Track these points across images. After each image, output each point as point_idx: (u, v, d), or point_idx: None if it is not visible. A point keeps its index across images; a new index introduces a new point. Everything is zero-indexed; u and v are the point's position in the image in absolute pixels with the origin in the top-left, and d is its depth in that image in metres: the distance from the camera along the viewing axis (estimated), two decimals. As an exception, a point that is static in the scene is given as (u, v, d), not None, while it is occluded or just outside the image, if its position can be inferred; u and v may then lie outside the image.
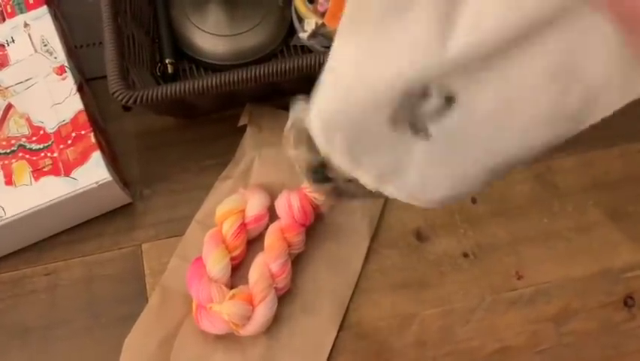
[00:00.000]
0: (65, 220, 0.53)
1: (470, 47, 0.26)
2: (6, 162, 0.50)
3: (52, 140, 0.51)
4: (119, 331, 0.49)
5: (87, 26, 0.61)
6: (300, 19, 0.59)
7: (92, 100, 0.56)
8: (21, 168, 0.50)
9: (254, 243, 0.52)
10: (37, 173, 0.50)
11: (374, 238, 0.54)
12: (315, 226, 0.53)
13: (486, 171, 0.30)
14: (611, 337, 0.52)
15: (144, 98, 0.46)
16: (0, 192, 0.49)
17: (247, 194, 0.52)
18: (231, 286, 0.49)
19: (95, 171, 0.49)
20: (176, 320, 0.49)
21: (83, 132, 0.51)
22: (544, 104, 0.27)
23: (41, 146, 0.51)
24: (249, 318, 0.47)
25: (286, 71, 0.47)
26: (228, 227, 0.50)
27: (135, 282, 0.52)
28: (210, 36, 0.58)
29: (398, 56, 0.27)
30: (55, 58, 0.54)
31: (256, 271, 0.49)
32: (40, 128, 0.51)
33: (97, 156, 0.50)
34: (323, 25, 0.57)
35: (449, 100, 0.27)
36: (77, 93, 0.52)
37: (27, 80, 0.53)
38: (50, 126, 0.51)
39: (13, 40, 0.55)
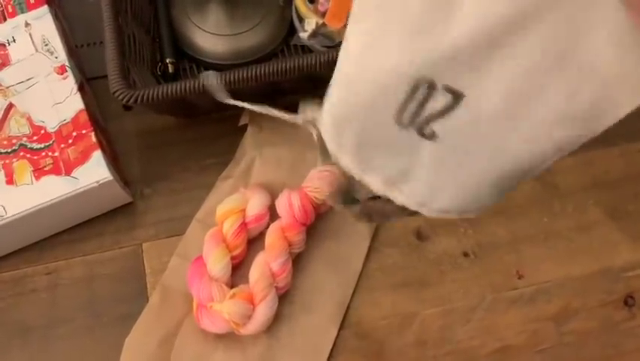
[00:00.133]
0: (66, 219, 0.53)
1: (474, 33, 0.25)
2: (7, 161, 0.50)
3: (53, 139, 0.51)
4: (119, 330, 0.49)
5: (88, 26, 0.61)
6: (301, 19, 0.59)
7: (92, 99, 0.56)
8: (22, 168, 0.50)
9: (254, 242, 0.52)
10: (38, 172, 0.50)
11: (375, 236, 0.54)
12: (315, 225, 0.53)
13: (495, 177, 0.29)
14: (611, 336, 0.52)
15: (145, 97, 0.46)
16: (1, 192, 0.49)
17: (248, 193, 0.52)
18: (232, 285, 0.49)
19: (95, 171, 0.49)
20: (176, 319, 0.49)
21: (83, 132, 0.51)
22: (554, 101, 0.26)
23: (42, 145, 0.51)
24: (249, 317, 0.47)
25: (287, 71, 0.47)
26: (229, 226, 0.50)
27: (136, 281, 0.52)
28: (211, 35, 0.59)
29: (400, 47, 0.26)
30: (56, 57, 0.54)
31: (257, 270, 0.49)
32: (41, 127, 0.51)
33: (98, 156, 0.50)
34: (323, 24, 0.57)
35: (456, 97, 0.26)
36: (78, 93, 0.52)
37: (28, 80, 0.53)
38: (51, 126, 0.51)
39: (14, 40, 0.55)
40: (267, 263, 0.49)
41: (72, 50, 0.57)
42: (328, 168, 0.52)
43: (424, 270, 0.53)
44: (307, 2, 0.58)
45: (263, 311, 0.47)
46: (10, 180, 0.49)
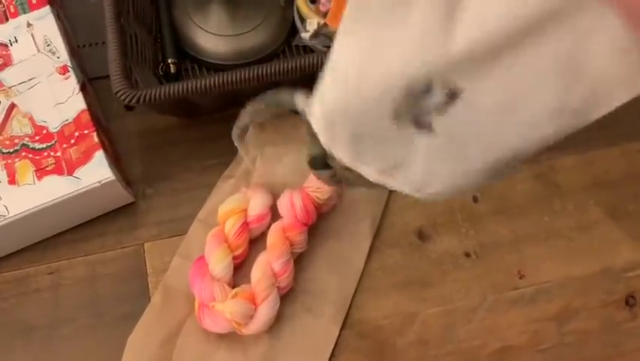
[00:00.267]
0: (68, 219, 0.53)
1: (475, 41, 0.25)
2: (9, 161, 0.50)
3: (55, 139, 0.51)
4: (121, 330, 0.49)
5: (90, 26, 0.61)
6: (302, 19, 0.59)
7: (94, 99, 0.57)
8: (24, 168, 0.50)
9: (256, 242, 0.52)
10: (41, 172, 0.50)
11: (376, 236, 0.54)
12: (317, 225, 0.53)
13: (488, 165, 0.29)
14: (612, 336, 0.52)
15: (147, 97, 0.46)
16: (3, 192, 0.49)
17: (249, 193, 0.52)
18: (234, 285, 0.50)
19: (97, 171, 0.49)
20: (178, 319, 0.50)
21: (85, 132, 0.51)
22: (549, 99, 0.26)
23: (44, 145, 0.51)
24: (251, 317, 0.47)
25: (288, 71, 0.47)
26: (231, 226, 0.50)
27: (138, 281, 0.52)
28: (212, 36, 0.59)
29: (400, 53, 0.27)
30: (58, 57, 0.54)
31: (258, 270, 0.49)
32: (43, 127, 0.51)
33: (100, 156, 0.50)
34: (325, 25, 0.57)
35: (453, 95, 0.27)
36: (80, 93, 0.52)
37: (30, 80, 0.53)
38: (53, 126, 0.51)
39: (16, 40, 0.55)
40: (269, 263, 0.49)
41: (74, 50, 0.57)
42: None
43: (425, 270, 0.53)
44: (309, 3, 0.58)
45: (265, 311, 0.48)
46: (12, 180, 0.50)
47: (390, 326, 0.51)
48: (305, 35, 0.58)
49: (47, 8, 0.56)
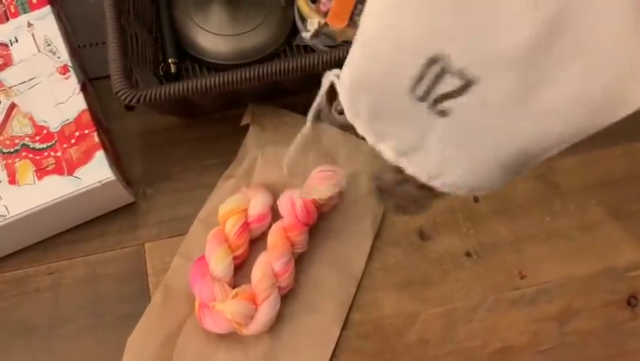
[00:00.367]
0: (68, 219, 0.53)
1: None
2: (9, 161, 0.50)
3: (56, 139, 0.51)
4: (121, 330, 0.49)
5: (90, 26, 0.61)
6: (303, 19, 0.59)
7: (95, 99, 0.56)
8: (24, 168, 0.50)
9: (257, 242, 0.52)
10: (41, 172, 0.50)
11: (377, 236, 0.54)
12: (317, 225, 0.53)
13: (503, 158, 0.29)
14: (614, 336, 0.52)
15: (147, 97, 0.46)
16: (3, 192, 0.49)
17: (250, 193, 0.52)
18: (234, 285, 0.49)
19: (98, 171, 0.49)
20: (178, 319, 0.49)
21: (86, 132, 0.51)
22: (567, 86, 0.25)
23: (45, 145, 0.51)
24: (251, 317, 0.47)
25: (289, 71, 0.47)
26: (231, 226, 0.50)
27: (138, 281, 0.52)
28: (213, 36, 0.59)
29: (425, 15, 0.26)
30: (59, 57, 0.54)
31: (259, 270, 0.49)
32: (43, 127, 0.51)
33: (100, 156, 0.50)
34: (326, 24, 0.57)
35: (467, 84, 0.26)
36: (80, 93, 0.52)
37: (30, 80, 0.53)
38: (54, 126, 0.51)
39: (16, 40, 0.55)
40: (270, 263, 0.49)
41: (74, 50, 0.57)
42: (330, 168, 0.52)
43: (426, 270, 0.53)
44: (309, 2, 0.58)
45: (265, 311, 0.47)
46: (12, 180, 0.49)
47: (391, 326, 0.51)
48: (306, 35, 0.58)
49: (48, 8, 0.56)
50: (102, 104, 0.58)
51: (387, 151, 0.31)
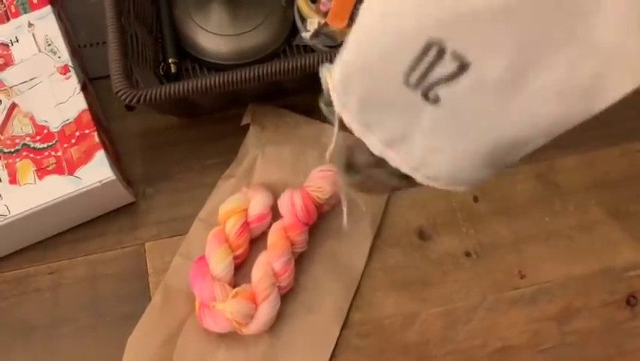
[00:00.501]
0: (69, 219, 0.53)
1: None
2: (10, 161, 0.50)
3: (56, 139, 0.51)
4: (122, 329, 0.49)
5: (91, 26, 0.61)
6: (303, 19, 0.59)
7: (95, 99, 0.57)
8: (25, 167, 0.50)
9: (257, 242, 0.52)
10: (41, 172, 0.50)
11: (377, 236, 0.54)
12: (317, 224, 0.53)
13: (488, 148, 0.29)
14: (613, 336, 0.52)
15: (147, 97, 0.46)
16: (4, 191, 0.49)
17: (250, 193, 0.52)
18: (234, 284, 0.50)
19: (98, 170, 0.49)
20: (179, 319, 0.50)
21: (86, 131, 0.51)
22: (556, 73, 0.26)
23: (45, 145, 0.51)
24: (251, 317, 0.47)
25: (289, 71, 0.47)
26: (231, 226, 0.50)
27: (138, 281, 0.52)
28: (213, 36, 0.59)
29: (429, 5, 0.27)
30: (59, 57, 0.54)
31: (259, 269, 0.49)
32: (44, 127, 0.51)
33: (100, 155, 0.50)
34: (325, 24, 0.57)
35: (463, 65, 0.27)
36: (81, 92, 0.52)
37: (31, 80, 0.53)
38: (54, 125, 0.51)
39: (17, 40, 0.55)
40: (270, 263, 0.49)
41: (75, 50, 0.58)
42: (330, 168, 0.52)
43: (425, 270, 0.53)
44: (309, 2, 0.58)
45: (265, 311, 0.48)
46: (13, 180, 0.50)
47: (390, 326, 0.51)
48: (306, 35, 0.58)
49: (48, 8, 0.56)
50: (102, 104, 0.58)
51: (374, 142, 0.31)
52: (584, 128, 0.28)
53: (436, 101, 0.28)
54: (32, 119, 0.52)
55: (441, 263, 0.54)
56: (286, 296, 0.50)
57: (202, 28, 0.59)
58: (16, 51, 0.54)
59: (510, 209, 0.56)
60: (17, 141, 0.51)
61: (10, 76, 0.53)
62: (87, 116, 0.51)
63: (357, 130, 0.31)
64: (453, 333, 0.51)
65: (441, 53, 0.27)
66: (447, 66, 0.27)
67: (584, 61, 0.25)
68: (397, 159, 0.31)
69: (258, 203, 0.52)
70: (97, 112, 0.55)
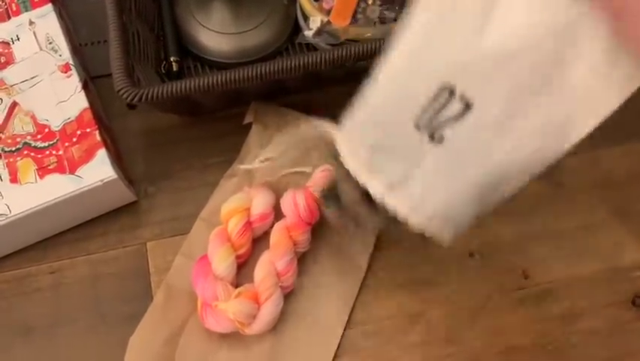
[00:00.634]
0: (70, 218, 0.53)
1: (497, 47, 0.28)
2: (11, 159, 0.50)
3: (58, 138, 0.51)
4: (124, 329, 0.49)
5: (92, 24, 0.61)
6: (305, 17, 0.59)
7: (96, 98, 0.56)
8: (26, 166, 0.50)
9: (259, 241, 0.52)
10: (43, 171, 0.49)
11: (380, 236, 0.53)
12: (320, 224, 0.52)
13: (479, 185, 0.32)
14: (618, 336, 0.52)
15: (149, 95, 0.45)
16: (5, 190, 0.49)
17: (252, 192, 0.52)
18: (237, 284, 0.49)
19: (100, 169, 0.49)
20: (181, 318, 0.49)
21: (88, 130, 0.51)
22: (537, 115, 0.30)
23: (46, 144, 0.50)
24: (254, 316, 0.47)
25: (291, 69, 0.47)
26: (234, 225, 0.50)
27: (140, 280, 0.52)
28: (215, 34, 0.58)
29: (449, 53, 0.30)
30: (60, 56, 0.54)
31: (262, 269, 0.49)
32: (45, 126, 0.51)
33: (102, 154, 0.50)
34: (328, 22, 0.57)
35: (467, 105, 0.29)
36: (82, 91, 0.52)
37: (32, 78, 0.53)
38: (55, 124, 0.51)
39: (18, 38, 0.55)
40: (272, 262, 0.49)
41: (76, 49, 0.57)
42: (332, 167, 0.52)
43: (429, 270, 0.53)
44: (312, 0, 0.58)
45: (268, 311, 0.47)
46: (14, 179, 0.49)
47: (394, 326, 0.51)
48: (308, 33, 0.58)
49: (49, 6, 0.56)
50: (104, 103, 0.58)
51: (378, 186, 0.33)
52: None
53: (440, 140, 0.31)
54: (33, 117, 0.51)
55: (445, 263, 0.53)
56: (289, 296, 0.50)
57: (204, 26, 0.59)
58: (17, 49, 0.54)
59: (514, 209, 0.55)
60: (18, 139, 0.51)
61: (10, 74, 0.53)
62: (88, 115, 0.51)
63: (364, 176, 0.33)
64: (457, 334, 0.51)
65: (451, 95, 0.30)
66: (455, 107, 0.30)
67: (561, 105, 0.30)
68: (395, 202, 0.33)
69: (260, 202, 0.51)
70: (98, 110, 0.54)
